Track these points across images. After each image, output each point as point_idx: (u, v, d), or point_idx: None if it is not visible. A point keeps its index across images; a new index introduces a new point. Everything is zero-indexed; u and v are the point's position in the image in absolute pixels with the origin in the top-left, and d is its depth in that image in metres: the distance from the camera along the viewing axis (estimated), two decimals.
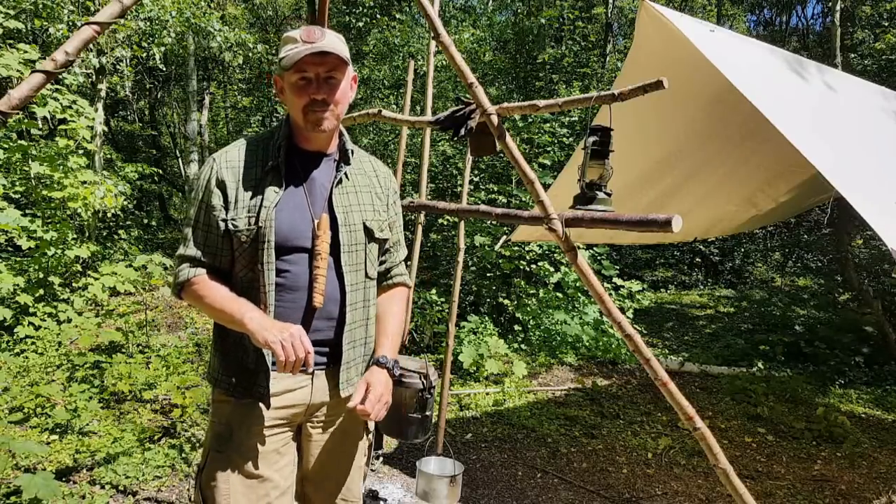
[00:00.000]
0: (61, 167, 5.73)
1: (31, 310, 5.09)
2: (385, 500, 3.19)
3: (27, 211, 5.85)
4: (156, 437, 3.61)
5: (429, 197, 7.44)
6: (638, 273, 10.60)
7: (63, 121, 5.96)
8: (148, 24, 7.85)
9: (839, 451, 4.20)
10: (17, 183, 5.93)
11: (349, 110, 2.04)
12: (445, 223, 7.34)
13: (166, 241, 11.55)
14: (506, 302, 6.83)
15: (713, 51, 2.36)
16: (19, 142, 5.66)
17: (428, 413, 3.08)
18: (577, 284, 6.95)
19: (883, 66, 8.23)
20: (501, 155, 6.16)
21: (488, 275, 6.93)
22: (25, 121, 5.72)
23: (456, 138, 2.22)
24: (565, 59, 10.50)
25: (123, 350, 4.95)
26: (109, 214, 7.46)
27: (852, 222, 6.50)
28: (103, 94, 7.94)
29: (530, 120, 7.51)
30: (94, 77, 7.75)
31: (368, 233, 1.60)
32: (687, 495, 3.48)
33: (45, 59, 2.10)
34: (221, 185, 1.48)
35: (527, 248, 6.83)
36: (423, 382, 3.01)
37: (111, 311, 5.62)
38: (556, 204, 1.85)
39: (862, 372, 6.00)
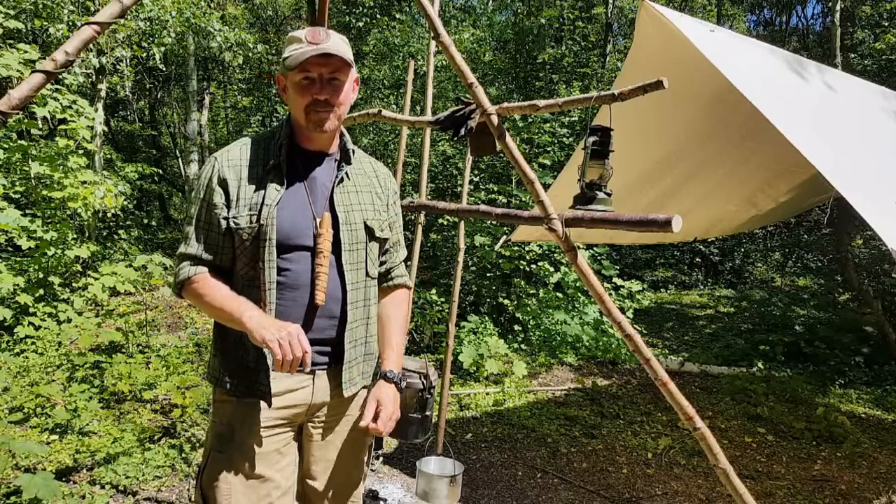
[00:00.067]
0: (61, 167, 5.72)
1: (31, 310, 5.09)
2: (385, 500, 3.18)
3: (27, 211, 5.85)
4: (156, 437, 3.61)
5: (429, 197, 7.44)
6: (638, 273, 10.60)
7: (63, 121, 5.96)
8: (148, 24, 7.85)
9: (839, 451, 4.20)
10: (17, 183, 5.93)
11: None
12: (445, 223, 7.34)
13: (166, 241, 11.55)
14: (506, 302, 6.83)
15: (713, 51, 2.36)
16: (19, 142, 5.66)
17: (428, 413, 3.08)
18: (577, 284, 6.95)
19: (883, 66, 8.23)
20: (501, 155, 6.16)
21: (488, 275, 6.93)
22: (25, 121, 5.72)
23: (456, 138, 2.22)
24: (565, 59, 10.50)
25: (123, 350, 4.95)
26: (109, 214, 7.46)
27: (852, 222, 6.50)
28: (103, 94, 7.94)
29: (530, 120, 7.51)
30: (94, 77, 7.75)
31: (369, 232, 1.60)
32: (687, 495, 3.48)
33: (45, 59, 2.10)
34: (223, 184, 1.49)
35: (527, 248, 6.83)
36: (423, 382, 3.01)
37: (111, 311, 5.62)
38: (556, 204, 1.85)
39: (862, 372, 6.00)
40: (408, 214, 3.20)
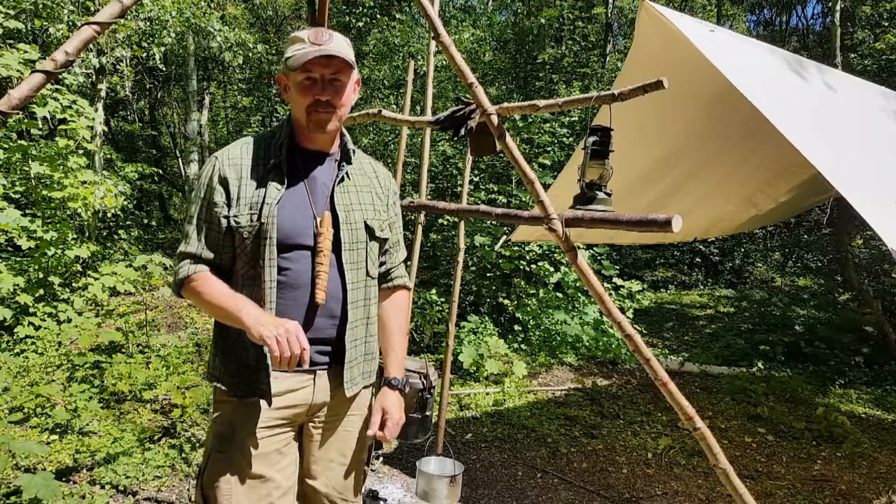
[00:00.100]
0: (61, 167, 5.72)
1: (31, 310, 5.09)
2: (385, 500, 3.18)
3: (27, 211, 5.85)
4: (156, 437, 3.61)
5: (429, 197, 7.44)
6: (638, 273, 10.60)
7: (63, 121, 5.96)
8: (148, 24, 7.85)
9: (839, 451, 4.20)
10: (17, 183, 5.93)
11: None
12: (445, 223, 7.34)
13: (166, 241, 11.55)
14: (506, 302, 6.83)
15: (713, 51, 2.36)
16: (19, 142, 5.66)
17: (428, 413, 3.09)
18: (577, 284, 6.95)
19: (883, 66, 8.23)
20: (501, 155, 6.16)
21: (488, 275, 6.93)
22: (25, 121, 5.72)
23: (456, 138, 2.22)
24: (565, 59, 10.50)
25: (123, 350, 4.95)
26: (109, 214, 7.46)
27: (852, 222, 6.50)
28: (103, 94, 7.94)
29: (530, 120, 7.51)
30: (94, 77, 7.75)
31: (369, 231, 1.61)
32: (687, 495, 3.48)
33: (45, 59, 2.10)
34: (224, 182, 1.50)
35: (527, 248, 6.83)
36: (423, 382, 3.01)
37: (111, 311, 5.62)
38: (556, 204, 1.85)
39: (862, 372, 6.00)
40: (408, 214, 3.20)
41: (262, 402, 1.49)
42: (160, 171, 11.83)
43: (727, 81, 2.25)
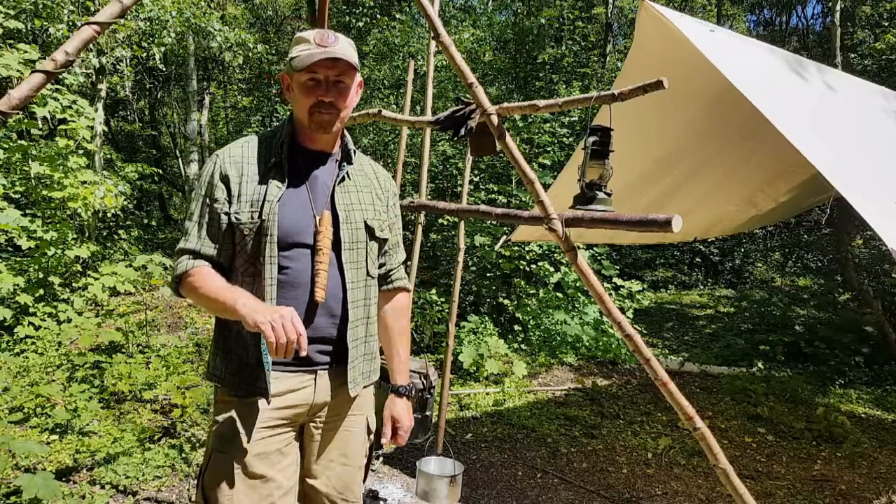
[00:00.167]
0: (61, 167, 5.72)
1: (31, 310, 5.09)
2: (385, 500, 3.19)
3: (27, 211, 5.85)
4: (156, 437, 3.61)
5: (429, 197, 7.44)
6: (638, 273, 10.60)
7: (63, 121, 5.96)
8: (148, 24, 7.85)
9: (839, 451, 4.20)
10: (17, 183, 5.93)
11: None
12: (445, 223, 7.34)
13: (166, 241, 11.55)
14: (506, 302, 6.83)
15: (713, 51, 2.36)
16: (19, 142, 5.66)
17: (428, 413, 3.09)
18: (577, 284, 6.95)
19: (883, 66, 8.23)
20: (501, 155, 6.16)
21: (488, 275, 6.93)
22: (25, 121, 5.72)
23: (456, 138, 2.22)
24: (565, 59, 10.50)
25: (123, 350, 4.95)
26: (109, 214, 7.46)
27: (852, 222, 6.50)
28: (103, 94, 7.94)
29: (530, 120, 7.51)
30: (94, 77, 7.75)
31: (369, 231, 1.61)
32: (687, 495, 3.48)
33: (45, 59, 2.10)
34: (225, 180, 1.50)
35: (527, 248, 6.83)
36: (423, 382, 3.01)
37: (111, 311, 5.62)
38: (556, 204, 1.85)
39: (862, 372, 6.00)
40: (408, 214, 3.21)
41: (263, 402, 1.48)
42: (160, 171, 11.83)
43: (727, 81, 2.25)
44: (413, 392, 1.68)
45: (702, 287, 11.37)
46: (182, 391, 3.92)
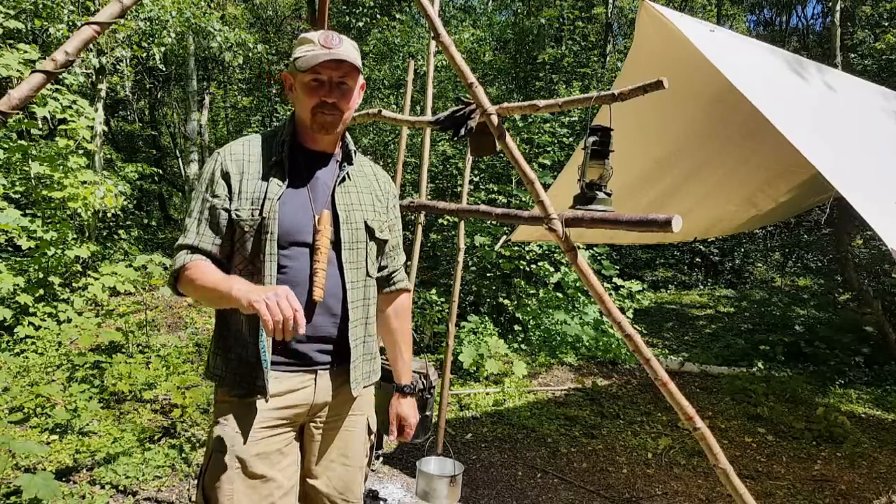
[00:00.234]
0: (61, 167, 5.72)
1: (31, 310, 5.09)
2: (385, 500, 3.19)
3: (27, 211, 5.85)
4: (156, 437, 3.61)
5: (429, 197, 7.44)
6: (638, 273, 10.60)
7: (63, 121, 5.96)
8: (148, 24, 7.84)
9: (839, 451, 4.20)
10: (17, 183, 5.93)
11: None
12: (445, 223, 7.34)
13: (166, 241, 11.55)
14: (506, 302, 6.83)
15: (713, 51, 2.36)
16: (19, 142, 5.66)
17: (428, 413, 3.08)
18: (577, 284, 6.95)
19: (883, 66, 8.23)
20: (501, 155, 6.16)
21: (488, 275, 6.93)
22: (25, 121, 5.71)
23: (456, 138, 2.22)
24: (565, 59, 10.50)
25: (123, 350, 4.95)
26: (109, 214, 7.45)
27: (852, 222, 6.50)
28: (103, 94, 7.94)
29: (530, 120, 7.51)
30: (94, 77, 7.75)
31: (369, 231, 1.62)
32: (687, 495, 3.48)
33: (45, 59, 2.10)
34: (226, 177, 1.51)
35: (527, 248, 6.83)
36: (423, 382, 3.01)
37: (111, 311, 5.62)
38: (556, 204, 1.85)
39: (862, 372, 6.00)
40: (408, 214, 3.20)
41: (263, 402, 1.48)
42: (160, 171, 11.83)
43: (727, 81, 2.25)
44: (416, 390, 1.68)
45: (702, 287, 11.37)
46: (182, 391, 3.92)
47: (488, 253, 6.65)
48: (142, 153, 14.23)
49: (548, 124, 7.53)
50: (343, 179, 1.60)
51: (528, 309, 6.71)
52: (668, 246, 10.94)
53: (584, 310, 6.89)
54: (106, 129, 9.66)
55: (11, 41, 6.16)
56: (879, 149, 2.90)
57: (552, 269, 6.92)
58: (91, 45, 4.68)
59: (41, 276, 5.42)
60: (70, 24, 6.80)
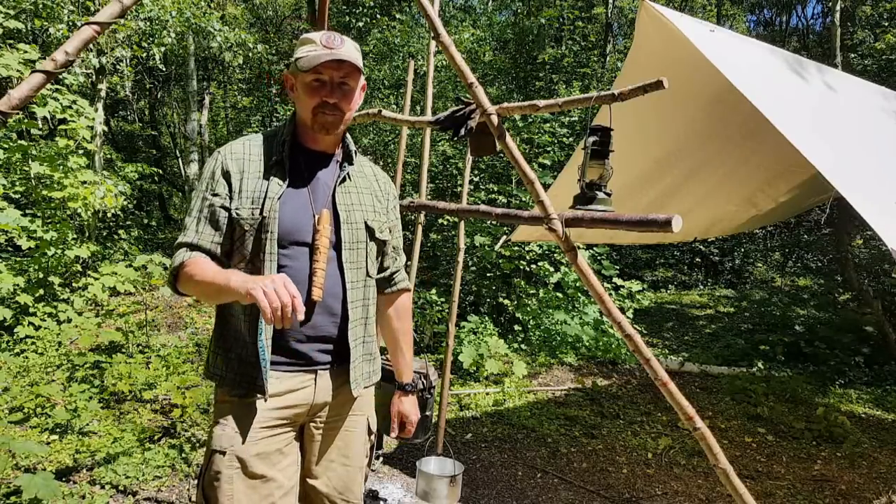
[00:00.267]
0: (61, 167, 5.72)
1: (31, 310, 5.09)
2: (385, 500, 3.19)
3: (27, 211, 5.85)
4: (156, 437, 3.61)
5: (429, 197, 7.44)
6: (638, 273, 10.60)
7: (63, 121, 5.96)
8: (148, 24, 7.84)
9: (839, 451, 4.20)
10: (17, 183, 5.93)
11: None
12: (445, 223, 7.34)
13: (166, 241, 11.54)
14: (506, 302, 6.83)
15: (713, 51, 2.36)
16: (19, 142, 5.66)
17: (428, 413, 3.08)
18: (577, 284, 6.95)
19: (883, 66, 8.23)
20: (501, 155, 6.16)
21: (488, 275, 6.93)
22: (25, 121, 5.72)
23: (456, 138, 2.22)
24: (565, 59, 10.50)
25: (123, 350, 4.95)
26: (109, 214, 7.45)
27: (852, 222, 6.50)
28: (103, 94, 7.94)
29: (530, 120, 7.51)
30: (94, 77, 7.75)
31: (369, 231, 1.62)
32: (687, 495, 3.48)
33: (45, 59, 2.10)
34: (226, 175, 1.51)
35: (527, 248, 6.83)
36: (423, 382, 3.01)
37: (111, 311, 5.62)
38: (556, 204, 1.85)
39: (862, 372, 6.00)
40: (408, 214, 3.20)
41: (263, 402, 1.48)
42: (160, 171, 11.83)
43: (727, 81, 2.25)
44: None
45: (702, 287, 11.37)
46: (182, 391, 3.92)
47: (488, 253, 6.65)
48: (142, 153, 14.23)
49: (548, 124, 7.53)
50: (343, 180, 1.60)
51: (528, 309, 6.71)
52: (668, 246, 10.94)
53: (584, 310, 6.89)
54: (106, 129, 9.66)
55: (11, 41, 6.16)
56: (879, 149, 2.90)
57: (552, 269, 6.92)
58: (91, 45, 4.68)
59: (41, 276, 5.42)
60: (70, 24, 6.80)
